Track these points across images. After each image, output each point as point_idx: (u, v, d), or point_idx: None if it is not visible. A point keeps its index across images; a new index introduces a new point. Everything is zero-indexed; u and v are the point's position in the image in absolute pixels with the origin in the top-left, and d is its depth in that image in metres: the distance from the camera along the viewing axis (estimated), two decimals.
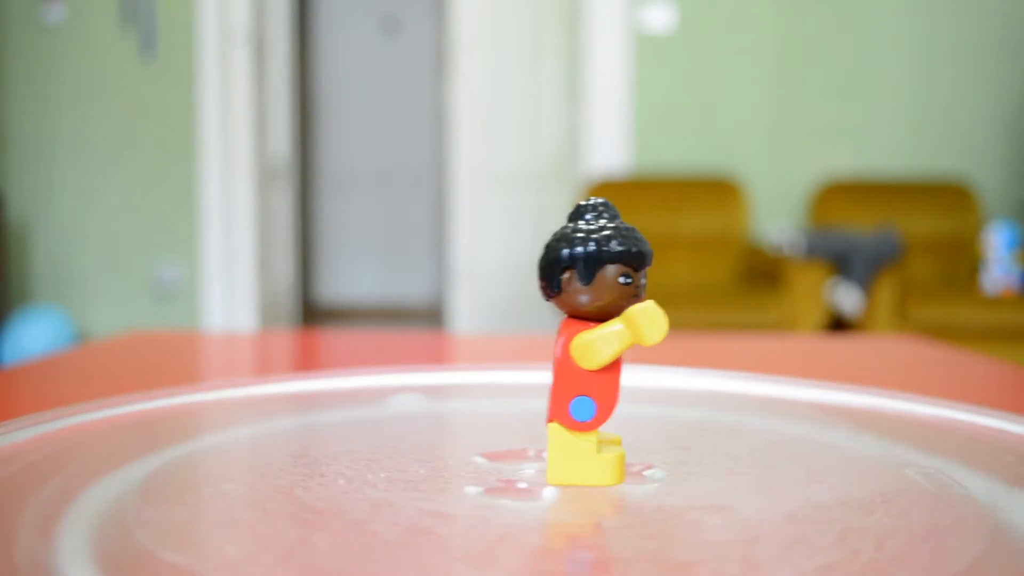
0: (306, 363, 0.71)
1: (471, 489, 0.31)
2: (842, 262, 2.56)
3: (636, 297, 0.31)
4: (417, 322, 4.63)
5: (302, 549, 0.26)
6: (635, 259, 0.30)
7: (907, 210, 2.89)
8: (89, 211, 3.21)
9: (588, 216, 0.31)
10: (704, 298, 2.58)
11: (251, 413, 0.44)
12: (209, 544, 0.26)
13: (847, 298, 2.53)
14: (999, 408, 0.45)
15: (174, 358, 0.68)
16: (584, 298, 0.31)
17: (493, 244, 3.42)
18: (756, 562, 0.25)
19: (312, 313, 4.75)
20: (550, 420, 0.31)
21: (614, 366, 0.31)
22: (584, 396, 0.31)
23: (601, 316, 0.31)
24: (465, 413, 0.47)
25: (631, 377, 0.52)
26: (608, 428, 0.36)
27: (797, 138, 3.10)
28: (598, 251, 0.30)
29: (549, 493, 0.31)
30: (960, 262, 2.89)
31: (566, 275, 0.31)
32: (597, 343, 0.30)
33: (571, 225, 0.32)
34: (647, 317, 0.29)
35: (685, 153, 3.08)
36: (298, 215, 4.25)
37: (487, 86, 3.41)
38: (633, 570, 0.24)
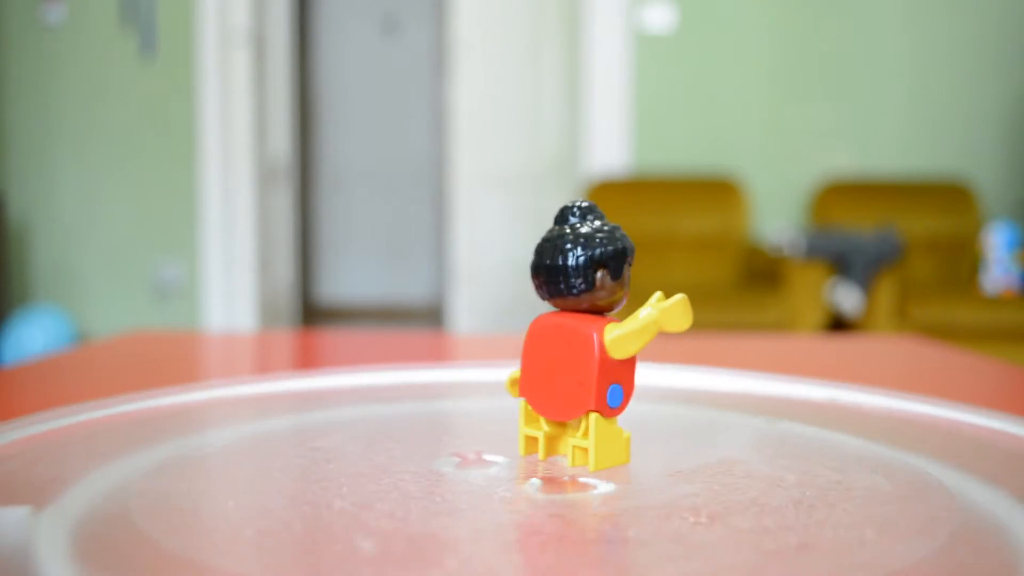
0: (306, 362, 0.71)
1: (478, 483, 0.31)
2: (842, 262, 2.56)
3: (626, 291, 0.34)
4: (417, 322, 4.63)
5: (299, 544, 0.26)
6: (632, 256, 0.33)
7: (907, 210, 2.89)
8: (89, 211, 3.21)
9: (573, 219, 0.34)
10: (704, 298, 2.58)
11: (251, 411, 0.44)
12: (207, 537, 0.26)
13: (847, 298, 2.53)
14: (998, 408, 0.45)
15: (174, 358, 0.68)
16: (614, 294, 0.33)
17: (493, 244, 3.41)
18: (708, 545, 0.25)
19: (312, 313, 4.75)
20: (592, 410, 0.33)
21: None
22: (615, 384, 0.33)
23: (603, 309, 0.33)
24: (467, 411, 0.47)
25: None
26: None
27: (797, 138, 3.10)
28: (625, 250, 0.33)
29: (602, 483, 0.32)
30: (960, 262, 2.89)
31: (599, 273, 0.33)
32: (636, 334, 0.33)
33: (579, 226, 0.33)
34: (682, 308, 0.32)
35: (685, 153, 3.08)
36: (298, 215, 4.24)
37: (487, 86, 3.41)
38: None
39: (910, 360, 0.71)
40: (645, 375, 0.52)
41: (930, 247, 2.88)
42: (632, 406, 0.46)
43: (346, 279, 4.95)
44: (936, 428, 0.42)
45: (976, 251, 2.85)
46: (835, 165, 3.07)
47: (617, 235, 0.33)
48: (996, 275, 2.75)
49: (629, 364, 0.33)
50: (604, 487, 0.31)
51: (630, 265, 0.33)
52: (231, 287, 3.23)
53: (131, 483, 0.31)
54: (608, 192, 2.91)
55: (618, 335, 0.32)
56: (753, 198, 3.01)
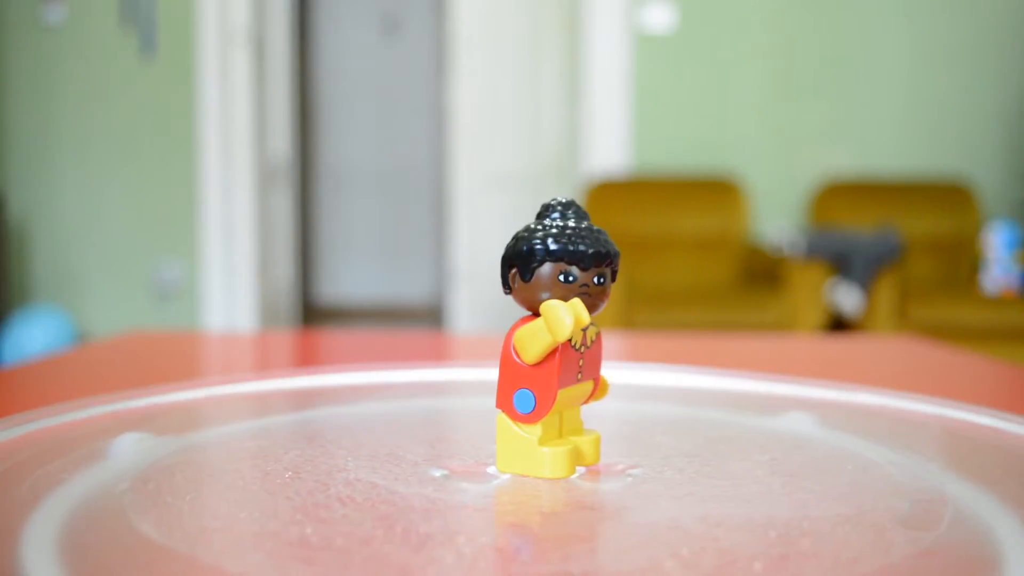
0: (306, 362, 0.71)
1: (436, 472, 0.33)
2: (842, 262, 2.56)
3: (586, 295, 0.31)
4: (417, 322, 4.63)
5: (297, 542, 0.26)
6: (576, 257, 0.30)
7: (907, 210, 2.89)
8: (89, 211, 3.21)
9: (555, 215, 0.32)
10: (704, 298, 2.58)
11: (250, 409, 0.44)
12: (205, 535, 0.26)
13: (847, 298, 2.53)
14: (998, 408, 0.45)
15: (174, 358, 0.68)
16: (524, 295, 0.31)
17: (493, 244, 3.41)
18: (648, 555, 0.25)
19: (312, 313, 4.75)
20: (498, 407, 0.32)
21: (550, 360, 0.31)
22: (525, 389, 0.31)
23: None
24: (462, 409, 0.47)
25: (631, 375, 0.52)
26: (604, 423, 0.36)
27: (797, 138, 3.10)
28: (533, 250, 0.31)
29: (499, 481, 0.32)
30: (960, 262, 2.89)
31: (511, 272, 0.31)
32: (526, 339, 0.31)
33: (529, 225, 0.32)
34: (549, 313, 0.30)
35: (685, 153, 3.08)
36: (298, 215, 4.24)
37: (487, 86, 3.41)
38: (519, 554, 0.25)
39: (910, 360, 0.71)
40: (644, 375, 0.52)
41: (930, 247, 2.87)
42: (630, 406, 0.46)
43: (346, 279, 4.95)
44: (935, 428, 0.42)
45: (976, 251, 2.85)
46: (835, 165, 3.07)
47: (540, 235, 0.31)
48: (996, 275, 2.75)
49: (544, 372, 0.31)
50: (490, 483, 0.32)
51: (602, 268, 0.31)
52: (231, 287, 3.23)
53: (130, 480, 0.31)
54: (608, 192, 2.91)
55: (515, 336, 0.31)
56: (753, 198, 3.01)
